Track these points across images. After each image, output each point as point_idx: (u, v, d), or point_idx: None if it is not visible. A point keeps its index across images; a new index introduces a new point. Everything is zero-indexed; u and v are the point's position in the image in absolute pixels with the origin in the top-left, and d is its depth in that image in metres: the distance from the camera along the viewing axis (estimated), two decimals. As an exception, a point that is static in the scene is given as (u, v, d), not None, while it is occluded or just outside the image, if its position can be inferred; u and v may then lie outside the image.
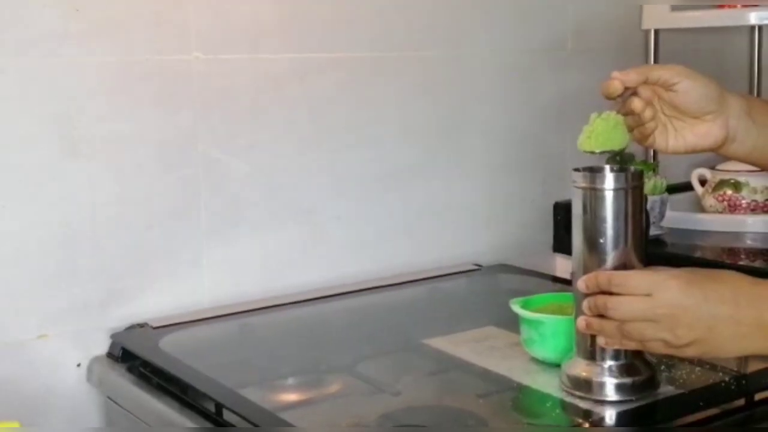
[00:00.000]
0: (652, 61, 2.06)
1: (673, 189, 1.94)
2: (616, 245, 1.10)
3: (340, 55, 1.65)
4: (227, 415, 1.18)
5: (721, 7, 2.04)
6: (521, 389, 1.25)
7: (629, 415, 1.13)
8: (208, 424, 1.19)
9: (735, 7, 2.02)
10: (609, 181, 1.10)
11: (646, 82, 1.15)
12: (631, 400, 1.14)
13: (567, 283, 1.76)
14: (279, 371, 1.37)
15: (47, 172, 1.41)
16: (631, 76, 1.14)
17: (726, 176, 1.93)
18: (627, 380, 1.13)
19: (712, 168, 1.97)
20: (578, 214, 1.13)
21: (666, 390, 1.21)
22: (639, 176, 1.12)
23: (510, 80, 1.87)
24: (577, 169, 1.13)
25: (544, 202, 1.94)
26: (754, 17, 1.99)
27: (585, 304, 1.11)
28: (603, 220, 1.10)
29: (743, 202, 1.91)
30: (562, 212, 1.93)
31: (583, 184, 1.11)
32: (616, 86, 1.14)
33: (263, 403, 1.21)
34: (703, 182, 1.99)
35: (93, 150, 1.44)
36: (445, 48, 1.78)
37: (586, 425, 1.14)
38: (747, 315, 1.04)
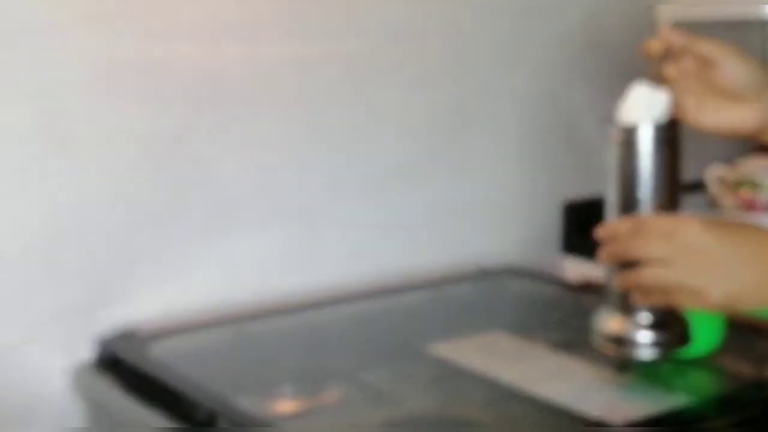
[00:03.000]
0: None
1: (686, 187, 1.91)
2: (652, 198, 1.11)
3: (338, 47, 1.64)
4: (221, 425, 1.17)
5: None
6: (529, 397, 1.24)
7: (641, 424, 1.13)
8: (201, 435, 1.19)
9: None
10: (646, 132, 1.10)
11: (690, 52, 1.14)
12: (662, 356, 1.15)
13: (576, 286, 1.77)
14: (276, 379, 1.36)
15: (32, 169, 1.39)
16: (677, 39, 1.14)
17: (743, 175, 1.92)
18: (659, 335, 1.12)
19: (729, 166, 1.96)
20: (614, 169, 1.13)
21: (679, 398, 1.22)
22: (675, 127, 1.13)
23: (516, 75, 1.86)
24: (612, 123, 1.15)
25: (552, 202, 1.94)
26: (768, 11, 1.98)
27: (604, 252, 1.10)
28: (639, 173, 1.11)
29: (761, 201, 1.90)
30: (572, 212, 1.92)
31: (620, 138, 1.12)
32: (657, 47, 1.15)
33: (259, 412, 1.21)
34: (719, 181, 1.97)
35: (79, 147, 1.42)
36: (449, 40, 1.77)
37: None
38: (766, 261, 1.03)
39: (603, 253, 1.09)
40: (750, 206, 1.90)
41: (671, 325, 1.12)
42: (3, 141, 1.36)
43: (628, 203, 1.11)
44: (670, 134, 1.11)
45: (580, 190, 1.92)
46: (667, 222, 1.05)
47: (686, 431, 1.13)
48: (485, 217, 1.84)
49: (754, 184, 1.90)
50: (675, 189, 1.12)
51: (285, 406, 1.30)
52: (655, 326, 1.11)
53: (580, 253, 1.86)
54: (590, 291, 1.65)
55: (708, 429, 1.13)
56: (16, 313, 1.40)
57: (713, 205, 1.96)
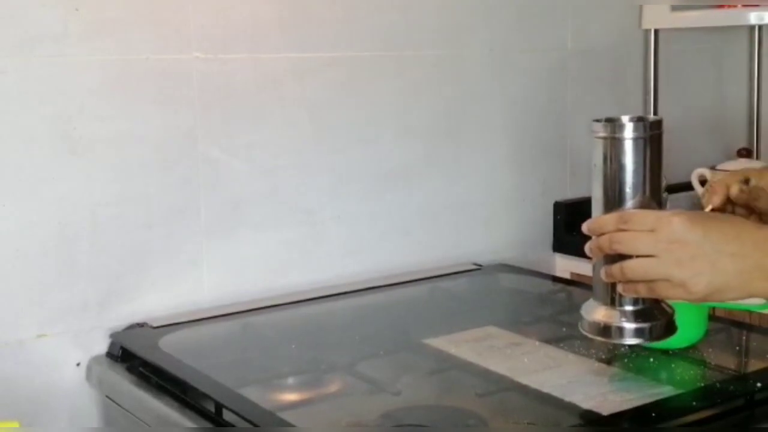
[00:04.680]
0: (652, 61, 2.06)
1: (672, 189, 1.94)
2: (635, 193, 1.10)
3: (339, 54, 1.66)
4: (227, 415, 1.18)
5: (720, 7, 2.03)
6: (521, 389, 1.25)
7: (629, 414, 1.14)
8: (207, 424, 1.19)
9: (735, 7, 2.01)
10: (629, 129, 1.11)
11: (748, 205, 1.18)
12: (647, 344, 1.17)
13: (566, 282, 1.78)
14: (279, 371, 1.37)
15: (47, 171, 1.41)
16: (741, 197, 1.17)
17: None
18: (644, 325, 1.12)
19: (712, 168, 1.97)
20: (599, 165, 1.12)
21: (665, 390, 1.22)
22: (658, 125, 1.12)
23: (510, 80, 1.88)
24: (597, 120, 1.13)
25: (543, 202, 1.95)
26: (753, 17, 1.99)
27: (588, 245, 1.10)
28: (623, 169, 1.11)
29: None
30: (561, 212, 1.94)
31: (604, 134, 1.12)
32: (716, 201, 1.18)
33: (263, 402, 1.21)
34: (703, 182, 1.98)
35: (93, 149, 1.44)
36: (445, 47, 1.78)
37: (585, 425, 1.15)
38: (750, 254, 1.03)
39: (589, 246, 1.09)
40: (732, 206, 1.91)
41: (657, 315, 1.12)
42: (20, 144, 1.38)
43: (614, 198, 1.10)
44: (653, 131, 1.11)
45: (571, 192, 1.95)
46: (651, 216, 1.05)
47: (671, 422, 1.13)
48: (480, 216, 1.86)
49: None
50: (658, 184, 1.12)
51: (288, 396, 1.32)
52: (641, 317, 1.11)
53: (570, 251, 1.89)
54: (579, 286, 1.67)
55: (691, 420, 1.14)
56: (33, 309, 1.42)
57: (697, 205, 1.99)
